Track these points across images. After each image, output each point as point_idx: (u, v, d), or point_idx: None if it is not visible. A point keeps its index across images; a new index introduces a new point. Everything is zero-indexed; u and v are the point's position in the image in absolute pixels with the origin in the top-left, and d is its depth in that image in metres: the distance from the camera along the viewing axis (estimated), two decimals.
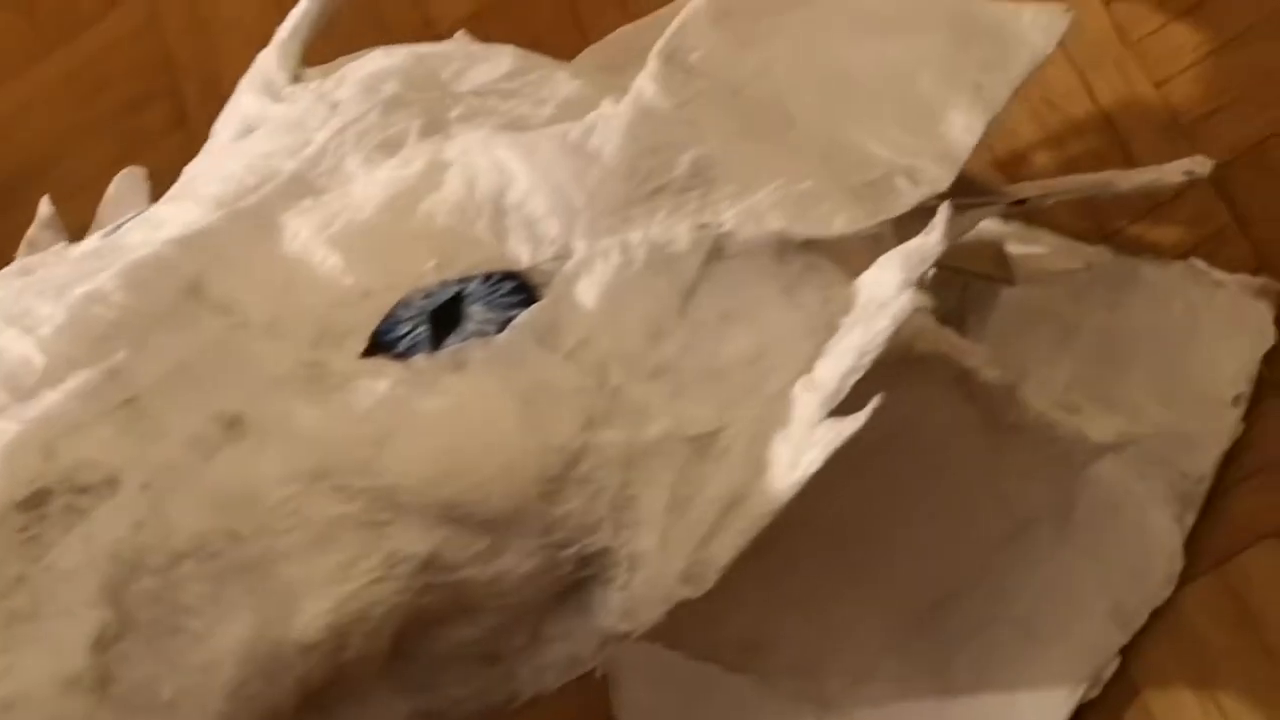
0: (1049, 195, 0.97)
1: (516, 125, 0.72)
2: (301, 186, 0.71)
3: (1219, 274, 1.06)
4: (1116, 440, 0.99)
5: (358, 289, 0.67)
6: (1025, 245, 1.16)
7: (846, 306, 0.67)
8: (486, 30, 1.53)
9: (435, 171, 0.70)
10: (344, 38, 1.49)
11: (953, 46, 0.76)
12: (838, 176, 0.70)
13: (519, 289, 0.68)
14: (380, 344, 0.67)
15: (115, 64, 1.72)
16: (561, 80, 0.78)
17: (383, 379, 0.65)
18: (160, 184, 1.52)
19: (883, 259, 0.67)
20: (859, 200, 0.70)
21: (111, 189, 0.98)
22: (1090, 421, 0.98)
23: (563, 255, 0.69)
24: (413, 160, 0.71)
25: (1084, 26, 1.18)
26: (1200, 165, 1.00)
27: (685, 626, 0.65)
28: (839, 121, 0.72)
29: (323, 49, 1.01)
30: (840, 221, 0.69)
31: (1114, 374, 1.05)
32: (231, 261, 0.68)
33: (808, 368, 0.67)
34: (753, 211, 0.69)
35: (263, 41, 1.68)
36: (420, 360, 0.66)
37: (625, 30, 1.00)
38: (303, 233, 0.69)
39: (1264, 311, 1.02)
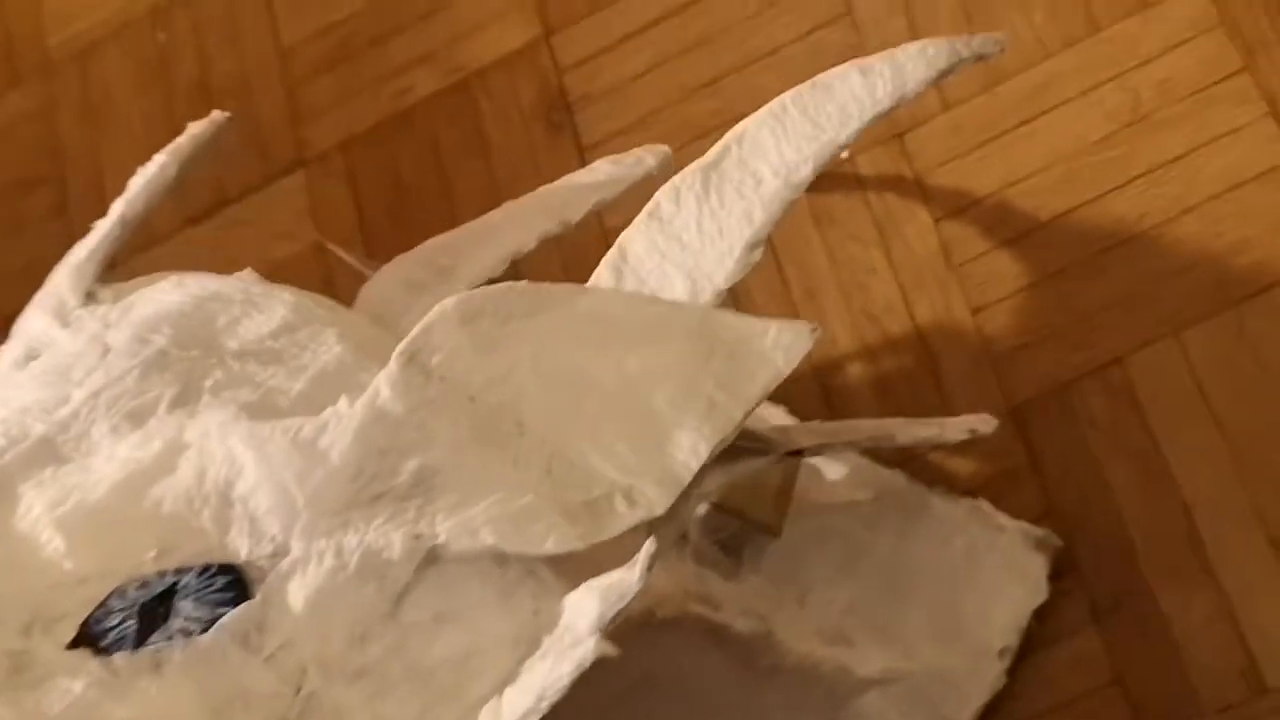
0: (827, 445, 0.99)
1: (265, 402, 0.75)
2: (47, 453, 0.74)
3: (1003, 518, 1.09)
4: (883, 676, 1.02)
5: (76, 574, 0.70)
6: (822, 462, 1.19)
7: (553, 621, 0.70)
8: (353, 161, 1.58)
9: (171, 454, 0.73)
10: (226, 160, 1.52)
11: (692, 361, 0.77)
12: (558, 492, 0.72)
13: (233, 584, 0.71)
14: (88, 634, 0.69)
15: (6, 145, 1.74)
16: (327, 343, 0.80)
17: (79, 679, 0.67)
18: (35, 272, 1.53)
19: (589, 584, 0.69)
20: (574, 520, 0.71)
21: None
22: (859, 655, 1.01)
23: (280, 553, 0.71)
24: (153, 438, 0.73)
25: (912, 244, 1.23)
26: (984, 424, 1.02)
27: None
28: (568, 433, 0.74)
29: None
30: (552, 542, 0.71)
31: (893, 604, 1.08)
32: None
33: (511, 677, 0.69)
34: (467, 526, 0.71)
35: (147, 145, 1.72)
36: (120, 659, 0.68)
37: (435, 242, 1.03)
38: (35, 508, 0.72)
39: (1040, 565, 1.05)
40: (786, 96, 0.89)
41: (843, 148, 0.88)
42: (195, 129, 0.98)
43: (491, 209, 1.47)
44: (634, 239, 0.88)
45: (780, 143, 0.88)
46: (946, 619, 1.06)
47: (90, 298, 0.88)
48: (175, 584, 0.70)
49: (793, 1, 1.36)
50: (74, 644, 0.68)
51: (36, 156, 1.69)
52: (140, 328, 0.80)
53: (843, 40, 1.33)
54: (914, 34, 1.31)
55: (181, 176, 0.99)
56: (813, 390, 1.23)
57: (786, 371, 0.77)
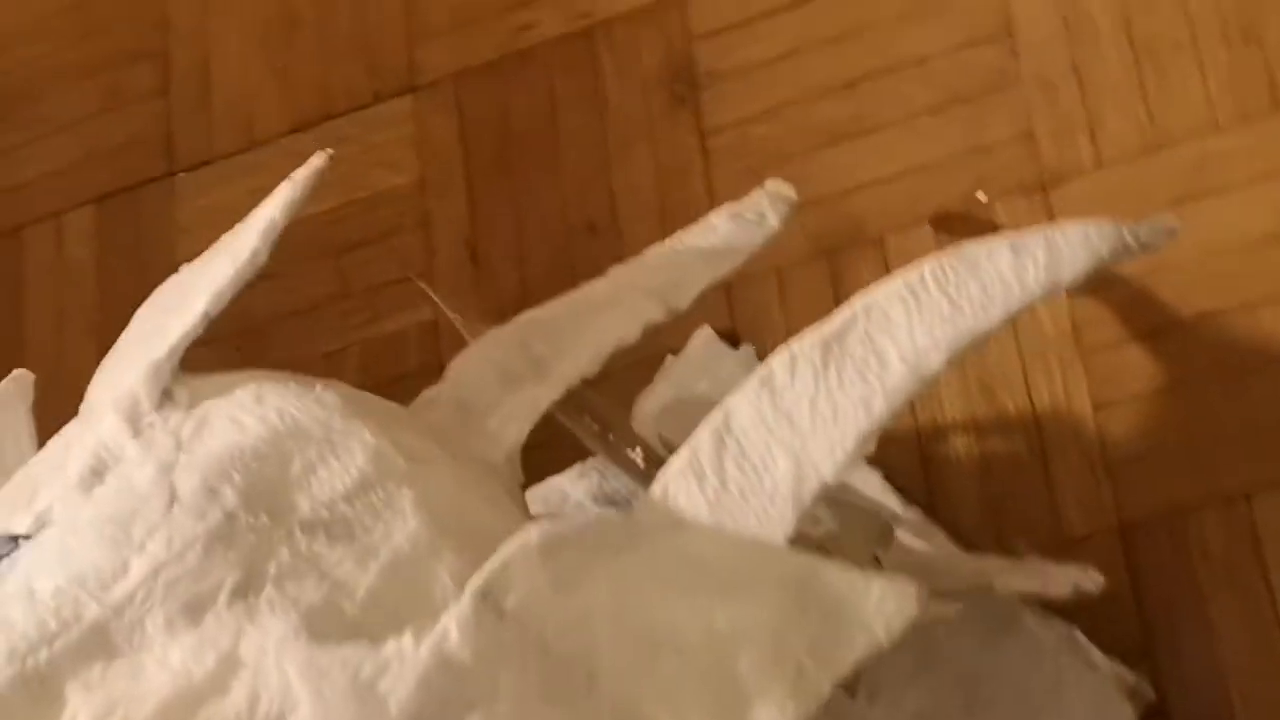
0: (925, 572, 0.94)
1: (330, 604, 0.70)
2: (98, 643, 0.71)
3: (1097, 655, 1.04)
4: None
5: None
6: (916, 539, 1.14)
7: None
8: (463, 94, 1.49)
9: (225, 673, 0.69)
10: (335, 65, 1.43)
11: (784, 620, 0.71)
12: None
13: None
14: None
15: (114, 11, 1.67)
16: (403, 515, 0.74)
17: None
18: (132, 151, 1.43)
19: None
20: None
21: None
22: None
23: None
24: (208, 647, 0.70)
25: (1041, 315, 1.15)
26: (1092, 583, 0.96)
27: None
28: (640, 693, 0.68)
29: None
30: None
31: (964, 718, 1.04)
32: None
33: None
34: None
35: (256, 34, 1.64)
36: None
37: (533, 319, 0.96)
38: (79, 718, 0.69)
39: (1129, 715, 1.01)
40: (925, 266, 0.81)
41: (983, 338, 0.81)
42: (298, 176, 0.92)
43: (598, 172, 1.41)
44: (741, 407, 0.82)
45: (912, 321, 0.81)
46: None
47: (166, 396, 0.84)
48: None
49: (951, 8, 1.26)
50: None
51: (143, 29, 1.63)
52: (210, 472, 0.76)
53: (996, 62, 1.22)
54: (1076, 72, 1.21)
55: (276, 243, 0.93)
56: (912, 456, 1.17)
57: (887, 644, 0.71)
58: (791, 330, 1.33)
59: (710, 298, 1.28)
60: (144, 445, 0.79)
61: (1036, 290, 0.79)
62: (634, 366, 1.33)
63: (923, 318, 0.79)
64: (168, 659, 0.70)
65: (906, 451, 1.16)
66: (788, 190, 1.10)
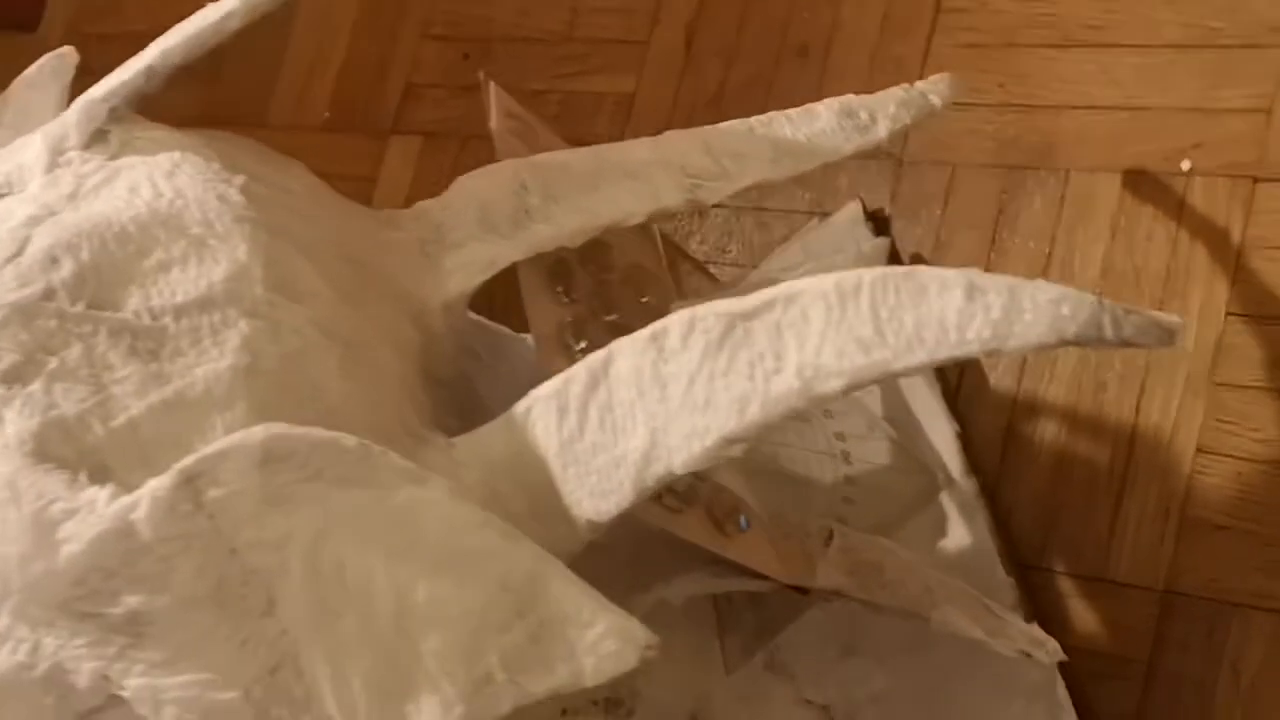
0: (843, 594, 0.82)
1: (79, 424, 0.65)
2: None
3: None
4: None
5: None
6: (958, 512, 1.01)
7: None
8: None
9: None
10: None
11: (491, 619, 0.62)
12: (267, 701, 0.61)
13: None
14: None
15: None
16: (222, 348, 0.68)
17: None
18: None
19: None
20: None
21: (33, 68, 0.96)
22: None
23: None
24: None
25: (1189, 322, 0.96)
26: (1046, 654, 0.81)
27: None
28: (313, 638, 0.62)
29: None
30: None
31: None
32: None
33: None
34: (156, 694, 0.62)
35: None
36: None
37: (545, 162, 0.86)
38: None
39: None
40: (867, 276, 0.67)
41: (894, 375, 0.67)
42: None
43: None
44: (625, 354, 0.71)
45: (826, 332, 0.67)
46: None
47: (98, 137, 0.79)
48: None
49: None
50: None
51: None
52: (65, 238, 0.71)
53: (1269, 15, 0.99)
54: None
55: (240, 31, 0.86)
56: (999, 423, 1.03)
57: (589, 683, 0.62)
58: (942, 234, 1.20)
59: (871, 169, 1.18)
60: (46, 183, 0.76)
61: (974, 347, 0.65)
62: (779, 217, 1.23)
63: (839, 333, 0.67)
64: None
65: (996, 415, 1.03)
66: (937, 93, 0.95)
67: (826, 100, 0.93)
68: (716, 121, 0.91)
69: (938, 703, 0.96)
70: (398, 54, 1.50)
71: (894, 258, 1.11)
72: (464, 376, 0.86)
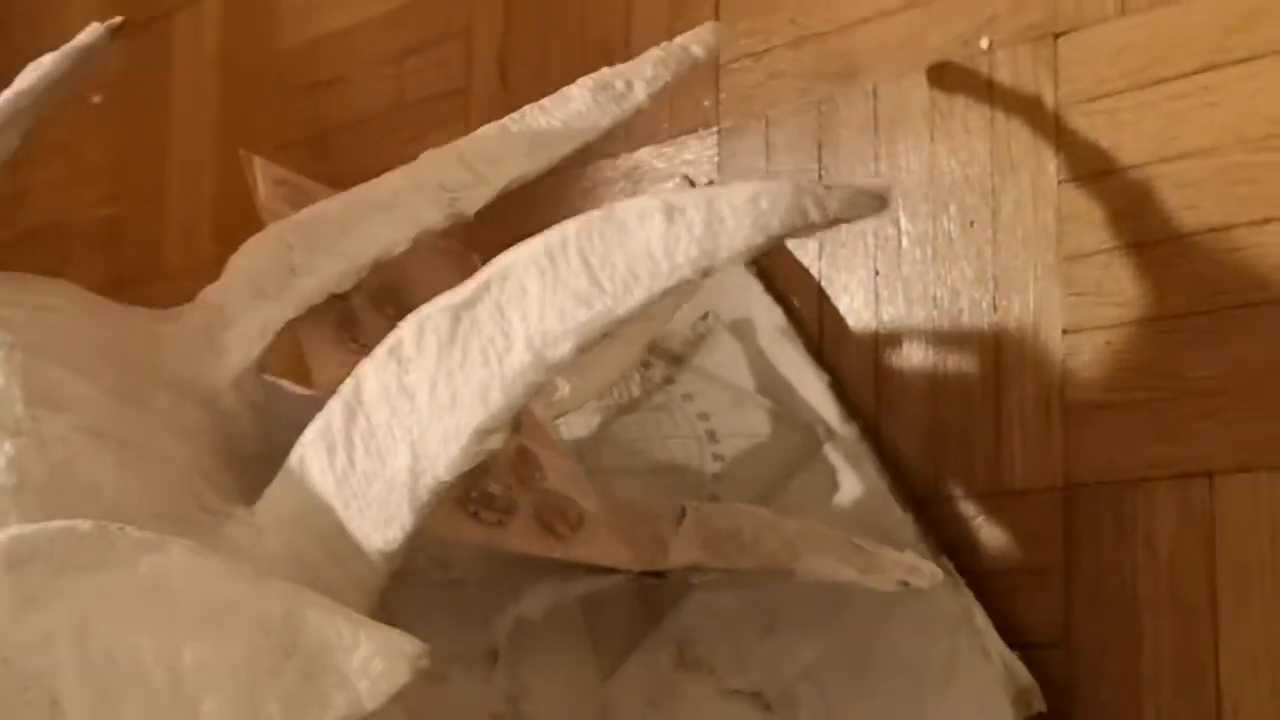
0: (701, 568, 0.77)
1: None
2: None
3: (993, 641, 0.84)
4: None
5: None
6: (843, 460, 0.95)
7: None
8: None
9: None
10: None
11: (259, 666, 0.59)
12: None
13: None
14: None
15: None
16: None
17: None
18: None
19: None
20: None
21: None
22: None
23: None
24: None
25: (1024, 205, 0.90)
26: (921, 578, 0.76)
27: None
28: None
29: None
30: None
31: (854, 685, 0.87)
32: None
33: None
34: None
35: None
36: None
37: (307, 218, 0.83)
38: None
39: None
40: (570, 227, 0.62)
41: (622, 321, 0.63)
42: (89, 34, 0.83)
43: None
44: (371, 374, 0.67)
45: (545, 297, 0.63)
46: None
47: None
48: None
49: None
50: None
51: None
52: None
53: None
54: None
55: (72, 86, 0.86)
56: (866, 362, 0.97)
57: (371, 707, 0.59)
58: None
59: (695, 146, 1.14)
60: None
61: (687, 270, 0.60)
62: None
63: (557, 293, 0.62)
64: None
65: (861, 354, 0.97)
66: (700, 44, 0.91)
67: (581, 79, 0.89)
68: None
69: (866, 661, 0.90)
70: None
71: None
72: (282, 447, 0.83)
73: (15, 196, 1.71)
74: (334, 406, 0.69)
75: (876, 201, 0.58)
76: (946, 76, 0.96)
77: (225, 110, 1.53)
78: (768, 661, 0.92)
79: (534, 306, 0.63)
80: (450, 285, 0.94)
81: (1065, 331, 0.88)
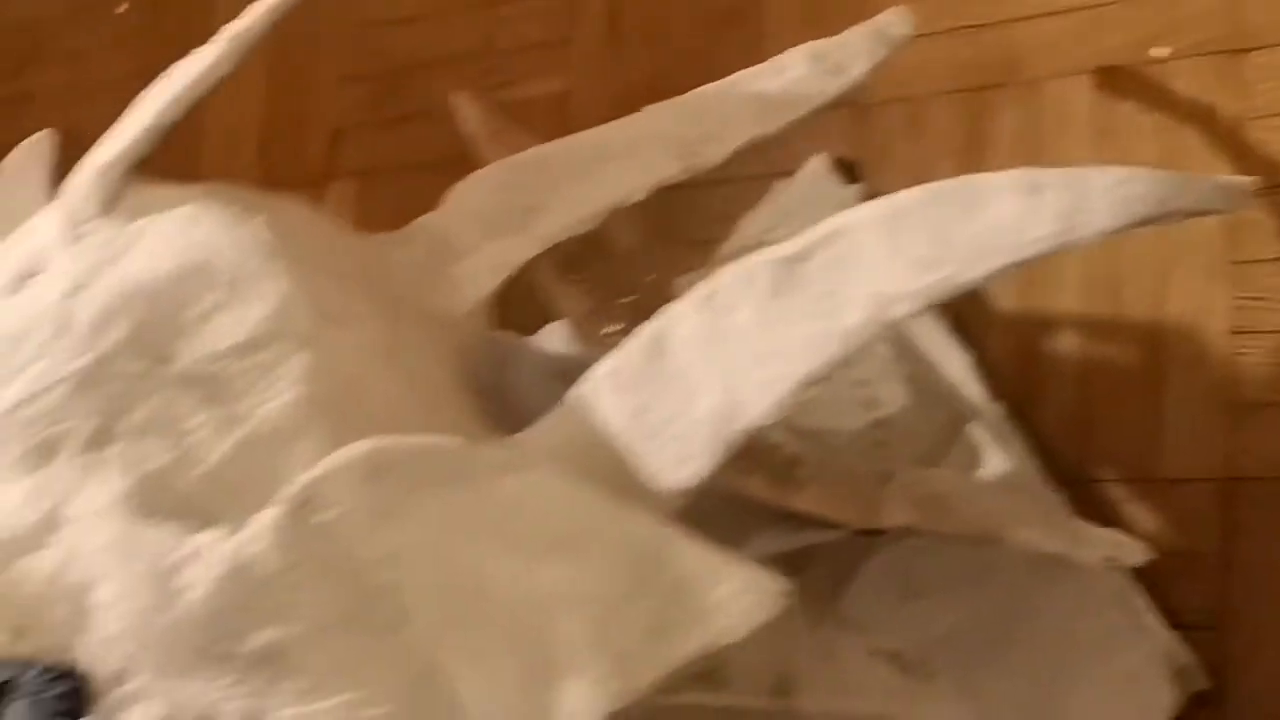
0: (916, 529, 0.81)
1: (170, 475, 0.65)
2: None
3: (1152, 620, 0.88)
4: None
5: None
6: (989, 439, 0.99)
7: None
8: None
9: (46, 529, 0.65)
10: None
11: (618, 593, 0.61)
12: (420, 710, 0.60)
13: (71, 694, 0.64)
14: None
15: None
16: (286, 380, 0.67)
17: None
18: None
19: None
20: None
21: (16, 153, 0.94)
22: (930, 698, 0.88)
23: (121, 679, 0.63)
24: (42, 498, 0.65)
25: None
26: (1129, 554, 0.80)
27: None
28: (450, 643, 0.61)
29: None
30: None
31: (992, 655, 0.90)
32: None
33: None
34: None
35: None
36: None
37: (533, 159, 0.85)
38: None
39: (1167, 698, 0.85)
40: (916, 193, 0.65)
41: (964, 289, 0.66)
42: (259, 9, 0.82)
43: None
44: (681, 320, 0.69)
45: (886, 258, 0.66)
46: (1044, 702, 0.90)
47: (113, 203, 0.78)
48: (13, 679, 0.65)
49: None
50: None
51: None
52: (107, 304, 0.71)
53: None
54: None
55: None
56: (1010, 344, 1.01)
57: (728, 641, 0.61)
58: (917, 171, 1.18)
59: (832, 120, 1.15)
60: (72, 256, 0.75)
61: (1045, 247, 0.63)
62: (743, 184, 1.21)
63: (900, 256, 0.65)
64: (6, 498, 0.67)
65: (1005, 337, 1.00)
66: (898, 25, 0.93)
67: (792, 50, 0.91)
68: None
69: (1008, 632, 0.94)
70: (317, 101, 1.45)
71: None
72: (491, 384, 0.84)
73: (19, 98, 1.66)
74: (631, 346, 0.70)
75: (1237, 198, 0.61)
76: (1116, 80, 1.00)
77: (279, 31, 1.51)
78: (908, 623, 0.95)
79: (873, 266, 0.65)
80: (636, 240, 0.96)
81: (1234, 332, 0.93)
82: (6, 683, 0.64)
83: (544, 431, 0.72)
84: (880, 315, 0.66)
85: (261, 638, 0.61)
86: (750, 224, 1.16)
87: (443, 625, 0.61)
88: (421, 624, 0.61)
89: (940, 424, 1.01)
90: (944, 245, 0.65)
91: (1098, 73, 1.00)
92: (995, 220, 0.65)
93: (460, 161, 1.48)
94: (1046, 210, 0.64)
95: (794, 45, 1.11)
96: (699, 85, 0.98)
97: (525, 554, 0.62)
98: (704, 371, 0.68)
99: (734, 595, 0.61)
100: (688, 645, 0.61)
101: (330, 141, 1.39)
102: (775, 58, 0.89)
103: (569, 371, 0.92)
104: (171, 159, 1.54)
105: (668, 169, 0.83)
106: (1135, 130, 0.98)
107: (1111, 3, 1.01)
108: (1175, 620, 0.90)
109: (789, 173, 1.13)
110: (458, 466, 0.64)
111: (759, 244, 1.11)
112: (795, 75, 0.88)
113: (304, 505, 0.62)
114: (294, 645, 0.61)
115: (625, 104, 1.33)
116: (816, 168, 1.12)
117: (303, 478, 0.63)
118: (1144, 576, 0.92)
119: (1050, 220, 0.64)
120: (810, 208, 1.14)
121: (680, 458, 0.68)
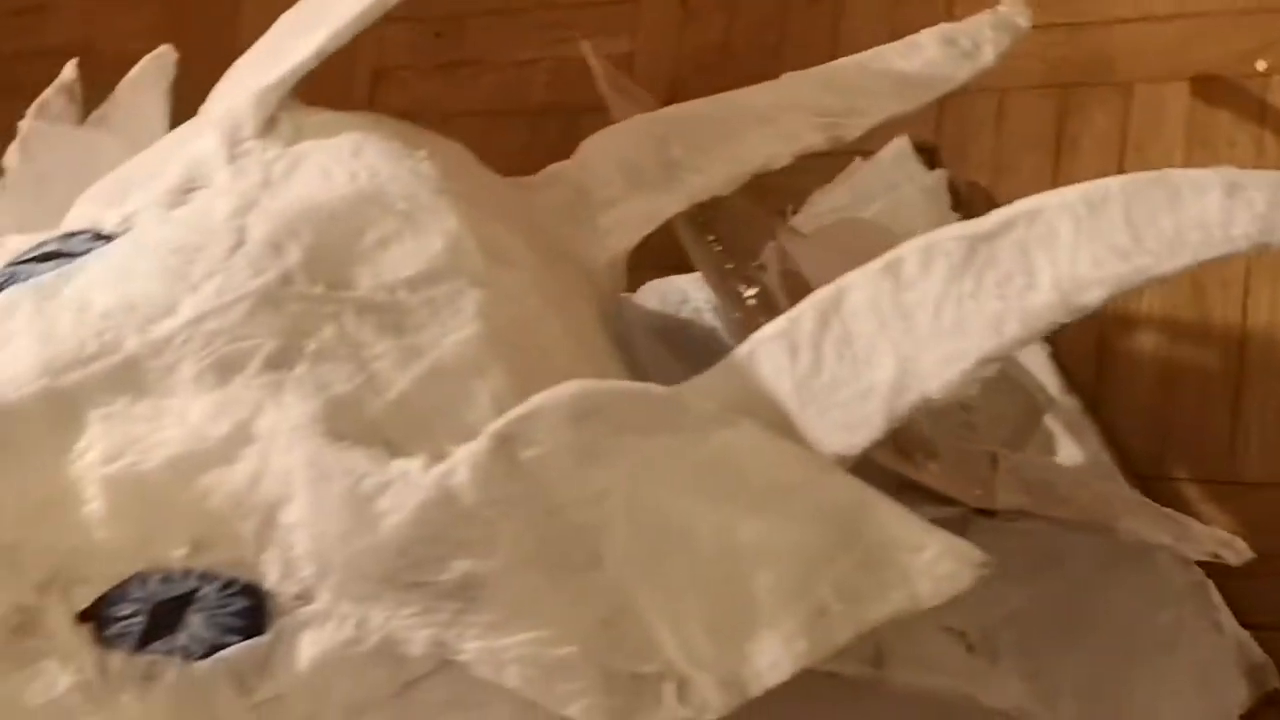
0: (1026, 512, 0.83)
1: (356, 400, 0.64)
2: (129, 377, 0.66)
3: (1226, 617, 0.92)
4: (1012, 714, 0.91)
5: (105, 546, 0.63)
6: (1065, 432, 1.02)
7: None
8: None
9: (235, 444, 0.64)
10: None
11: (818, 550, 0.62)
12: (607, 653, 0.61)
13: (250, 611, 0.63)
14: (99, 614, 0.63)
15: None
16: (463, 316, 0.67)
17: (68, 672, 0.62)
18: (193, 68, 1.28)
19: None
20: (611, 692, 0.60)
21: (136, 70, 0.92)
22: (996, 677, 0.90)
23: (305, 598, 0.63)
24: (228, 412, 0.65)
25: None
26: (1236, 554, 0.83)
27: None
28: (644, 588, 0.62)
29: None
30: (578, 709, 0.60)
31: (1060, 638, 0.93)
32: (14, 453, 0.65)
33: None
34: (496, 656, 0.61)
35: None
36: (116, 660, 0.62)
37: (677, 114, 0.85)
38: (91, 452, 0.65)
39: (1240, 694, 0.90)
40: (1114, 183, 0.67)
41: (1156, 280, 0.68)
42: None
43: None
44: (858, 289, 0.70)
45: (1080, 243, 0.68)
46: (1108, 688, 0.93)
47: (271, 125, 0.78)
48: (195, 590, 0.64)
49: None
50: (84, 615, 0.64)
51: None
52: (282, 223, 0.70)
53: None
54: None
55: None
56: (1089, 339, 1.04)
57: (926, 606, 0.62)
58: (998, 162, 1.21)
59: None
60: (234, 173, 0.74)
61: (1242, 244, 0.65)
62: (817, 161, 1.22)
63: (1093, 243, 0.67)
64: (187, 413, 0.66)
65: (1084, 332, 1.03)
66: (1021, 15, 0.95)
67: (924, 31, 0.92)
68: (727, 72, 0.90)
69: (1077, 617, 0.96)
70: (362, 39, 1.44)
71: (950, 189, 1.11)
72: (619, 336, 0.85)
73: (33, 9, 1.62)
74: (804, 310, 0.71)
75: None
76: (1214, 89, 1.03)
77: None
78: (975, 603, 0.97)
79: (1065, 251, 0.67)
80: (749, 206, 0.97)
81: None
82: (185, 595, 0.64)
83: (704, 386, 0.72)
84: (1069, 300, 0.68)
85: (458, 569, 0.61)
86: (825, 199, 1.18)
87: (639, 570, 0.62)
88: (615, 567, 0.62)
89: (1021, 411, 1.04)
90: (1142, 236, 0.67)
91: (1194, 81, 1.03)
92: (1196, 215, 0.67)
93: (504, 113, 1.49)
94: (1248, 209, 0.67)
95: (871, 21, 1.13)
96: (769, 54, 0.99)
97: (729, 506, 0.62)
98: (879, 341, 0.69)
99: (935, 560, 0.62)
100: (885, 607, 0.62)
101: (372, 82, 1.38)
102: (908, 37, 0.90)
103: (669, 330, 0.93)
104: (204, 92, 1.53)
105: (812, 138, 0.84)
106: (1231, 141, 1.02)
107: (1212, 14, 1.05)
108: (1247, 621, 0.95)
109: (866, 152, 1.15)
110: (667, 415, 0.64)
111: (835, 220, 1.16)
112: (930, 56, 0.89)
113: (510, 440, 0.62)
114: (488, 579, 0.62)
115: (691, 69, 1.35)
116: (899, 149, 1.14)
117: (511, 413, 0.63)
118: (1216, 573, 0.96)
119: (1249, 220, 0.66)
120: (891, 189, 1.16)
121: (846, 424, 0.69)
